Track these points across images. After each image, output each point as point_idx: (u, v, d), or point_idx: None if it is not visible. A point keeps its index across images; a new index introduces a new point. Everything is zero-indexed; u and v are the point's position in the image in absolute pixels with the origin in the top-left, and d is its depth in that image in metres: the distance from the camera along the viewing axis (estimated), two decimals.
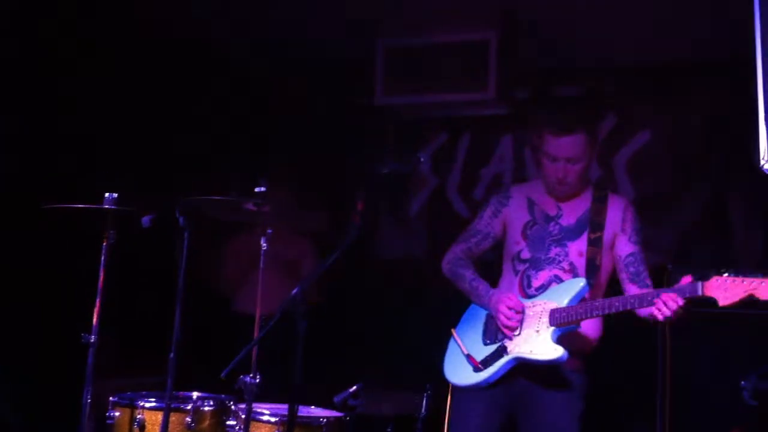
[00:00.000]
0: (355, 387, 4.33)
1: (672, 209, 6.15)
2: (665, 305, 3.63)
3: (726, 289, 3.53)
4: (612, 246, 4.10)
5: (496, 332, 4.07)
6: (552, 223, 4.16)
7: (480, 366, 4.03)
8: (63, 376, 4.86)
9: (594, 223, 4.09)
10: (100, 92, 5.78)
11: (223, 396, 4.40)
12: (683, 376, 4.78)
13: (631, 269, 4.04)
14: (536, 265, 4.13)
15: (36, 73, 5.49)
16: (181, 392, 4.42)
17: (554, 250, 4.11)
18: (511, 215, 4.27)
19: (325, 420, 4.20)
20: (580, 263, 4.07)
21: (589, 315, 3.86)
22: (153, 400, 4.28)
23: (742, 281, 3.52)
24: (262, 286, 4.20)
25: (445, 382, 4.24)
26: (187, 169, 6.10)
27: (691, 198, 6.17)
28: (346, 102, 6.86)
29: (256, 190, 4.05)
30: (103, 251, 4.17)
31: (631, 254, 4.06)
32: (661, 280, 4.63)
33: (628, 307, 3.78)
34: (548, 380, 3.99)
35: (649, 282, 3.99)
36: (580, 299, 3.93)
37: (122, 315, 4.70)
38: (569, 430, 4.00)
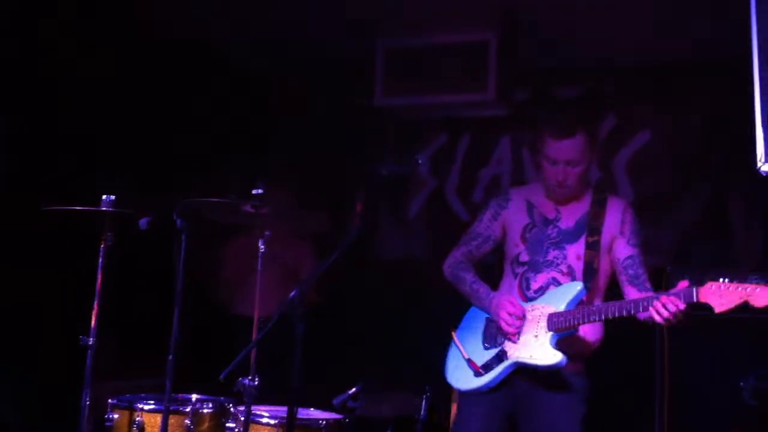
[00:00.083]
0: (354, 389, 4.33)
1: (672, 209, 6.15)
2: (664, 308, 3.62)
3: (721, 296, 3.51)
4: (610, 249, 4.09)
5: (496, 336, 4.08)
6: (550, 226, 4.16)
7: (481, 371, 4.04)
8: (62, 378, 4.86)
9: (592, 226, 4.08)
10: (100, 92, 5.78)
11: (222, 398, 4.41)
12: (682, 378, 4.77)
13: (630, 272, 4.03)
14: (535, 267, 4.13)
15: (36, 73, 5.49)
16: (180, 394, 4.43)
17: (552, 253, 4.11)
18: (510, 218, 4.27)
19: (324, 422, 4.21)
20: (578, 266, 4.07)
21: (586, 320, 3.87)
22: (152, 402, 4.30)
23: (737, 288, 3.50)
24: (261, 289, 4.19)
25: (445, 384, 4.25)
26: (187, 170, 6.10)
27: (691, 198, 6.16)
28: (346, 102, 6.86)
29: (254, 192, 4.05)
30: (101, 253, 4.18)
31: (629, 257, 4.05)
32: (660, 281, 4.62)
33: (624, 313, 3.77)
34: (549, 383, 3.99)
35: (648, 285, 3.98)
36: (577, 303, 3.93)
37: (121, 317, 4.70)
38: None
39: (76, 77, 5.65)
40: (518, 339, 3.98)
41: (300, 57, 6.53)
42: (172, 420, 4.10)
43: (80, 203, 4.09)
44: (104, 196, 4.11)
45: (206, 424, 4.27)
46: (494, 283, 4.26)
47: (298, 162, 6.69)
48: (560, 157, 4.04)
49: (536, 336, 3.94)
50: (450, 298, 4.50)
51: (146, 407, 4.25)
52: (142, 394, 4.44)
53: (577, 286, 3.97)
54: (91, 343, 4.10)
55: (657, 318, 3.66)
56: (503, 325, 4.01)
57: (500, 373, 3.99)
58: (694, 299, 3.59)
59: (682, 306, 3.61)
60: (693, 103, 6.17)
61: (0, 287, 5.18)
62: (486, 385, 4.02)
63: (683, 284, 3.66)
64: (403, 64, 6.02)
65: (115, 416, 4.27)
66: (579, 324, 3.89)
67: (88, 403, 4.09)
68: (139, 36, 5.99)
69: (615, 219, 4.10)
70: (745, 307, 3.48)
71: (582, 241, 4.08)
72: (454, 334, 4.27)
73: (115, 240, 4.21)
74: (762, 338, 4.74)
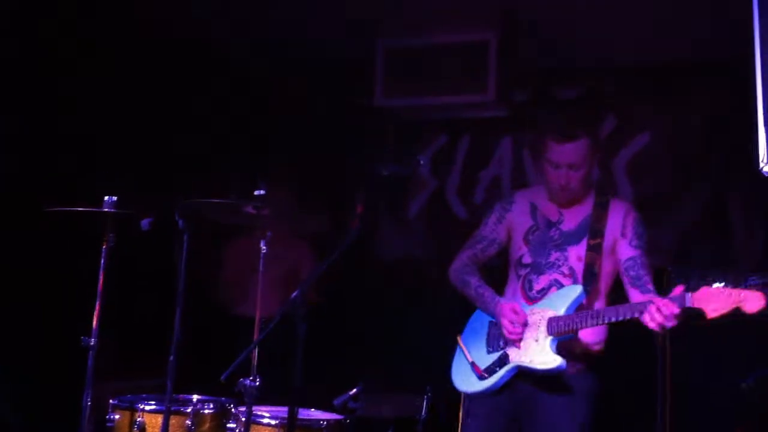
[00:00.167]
0: (355, 389, 4.34)
1: (672, 209, 6.15)
2: (659, 312, 3.63)
3: (714, 301, 3.52)
4: (614, 251, 4.10)
5: (498, 340, 4.11)
6: (553, 229, 4.18)
7: (484, 374, 4.07)
8: (63, 379, 4.85)
9: (594, 229, 4.09)
10: (100, 92, 5.77)
11: (223, 399, 4.41)
12: (684, 379, 4.78)
13: (631, 273, 4.03)
14: (537, 269, 4.15)
15: (36, 73, 5.48)
16: (181, 395, 4.43)
17: (554, 255, 4.13)
18: (514, 220, 4.29)
19: (325, 423, 4.21)
20: (579, 268, 4.08)
21: (584, 325, 3.89)
22: (153, 402, 4.29)
23: (730, 293, 3.51)
24: (262, 289, 4.19)
25: (446, 385, 4.27)
26: (187, 170, 6.10)
27: (691, 198, 6.16)
28: (346, 102, 6.86)
29: (256, 193, 4.05)
30: (103, 254, 4.18)
31: (630, 258, 4.05)
32: (662, 282, 4.62)
33: (620, 317, 3.79)
34: (550, 385, 4.01)
35: (650, 286, 3.96)
36: (577, 306, 3.95)
37: (122, 318, 4.70)
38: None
39: (76, 77, 5.64)
40: (520, 343, 4.01)
41: (300, 57, 6.53)
42: (173, 420, 4.09)
43: (81, 204, 4.08)
44: (106, 197, 4.11)
45: (207, 425, 4.27)
46: (499, 285, 4.28)
47: (298, 162, 6.69)
48: (563, 161, 4.05)
49: (536, 340, 3.97)
50: (450, 298, 4.51)
51: (147, 408, 4.25)
52: (143, 395, 4.44)
53: (577, 290, 3.98)
54: (92, 343, 4.10)
55: (650, 324, 3.67)
56: (505, 331, 4.04)
57: (502, 377, 4.02)
58: (688, 304, 3.59)
59: (676, 311, 3.61)
60: (693, 103, 6.17)
61: (1, 287, 5.17)
62: (488, 389, 4.05)
63: (678, 289, 3.66)
64: (403, 65, 6.01)
65: (116, 417, 4.26)
66: (578, 328, 3.91)
67: (89, 403, 4.09)
68: (139, 36, 5.99)
69: (617, 221, 4.11)
70: (737, 313, 3.49)
71: (584, 244, 4.09)
72: (459, 339, 4.30)
73: (116, 241, 4.21)
74: (762, 339, 4.75)
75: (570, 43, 5.99)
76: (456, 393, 4.29)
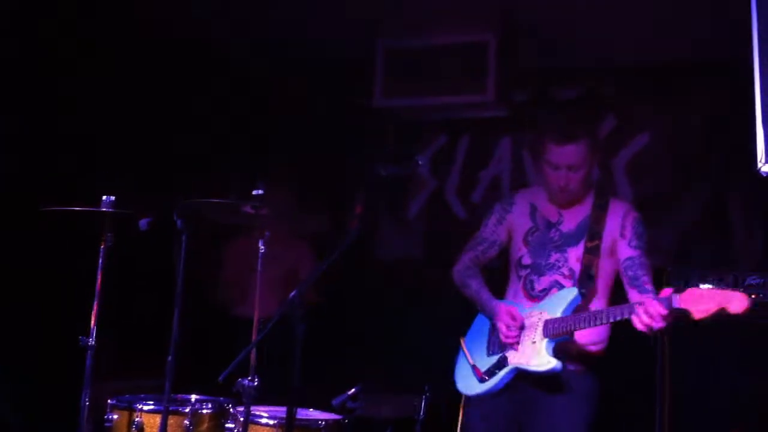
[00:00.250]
0: (353, 389, 4.34)
1: (672, 209, 6.14)
2: (646, 313, 3.63)
3: (700, 302, 3.52)
4: (613, 251, 4.10)
5: (498, 343, 4.12)
6: (553, 230, 4.19)
7: (484, 377, 4.10)
8: (62, 379, 4.86)
9: (592, 231, 4.10)
10: (100, 92, 5.77)
11: (221, 399, 4.40)
12: (683, 379, 4.77)
13: (629, 273, 4.03)
14: (537, 270, 4.17)
15: (36, 73, 5.48)
16: (180, 395, 4.42)
17: (554, 256, 4.14)
18: (514, 221, 4.31)
19: (323, 423, 4.20)
20: (579, 270, 4.09)
21: (579, 326, 3.89)
22: (151, 402, 4.28)
23: (715, 294, 3.51)
24: (261, 289, 4.19)
25: (445, 385, 4.28)
26: (187, 170, 6.10)
27: (691, 198, 6.16)
28: (346, 102, 6.85)
29: (254, 193, 4.04)
30: (101, 254, 4.17)
31: (629, 258, 4.05)
32: (661, 282, 4.62)
33: (612, 319, 3.81)
34: (549, 386, 4.02)
35: (648, 287, 3.96)
36: (574, 308, 3.97)
37: (120, 318, 4.69)
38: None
39: (76, 77, 5.64)
40: (518, 346, 4.03)
41: (300, 57, 6.53)
42: (172, 420, 4.09)
43: (80, 203, 4.08)
44: (104, 197, 4.11)
45: (205, 425, 4.26)
46: (500, 286, 4.29)
47: (298, 162, 6.69)
48: (562, 163, 4.06)
49: (534, 342, 3.99)
50: (449, 298, 4.52)
51: (145, 408, 4.24)
52: (142, 395, 4.43)
53: (572, 292, 4.01)
54: (90, 343, 4.10)
55: (638, 325, 3.67)
56: (501, 335, 4.07)
57: (502, 379, 4.04)
58: (675, 305, 3.59)
59: (663, 312, 3.60)
60: (693, 103, 6.17)
61: (0, 287, 5.18)
62: (489, 391, 4.08)
63: (667, 291, 3.66)
64: (403, 65, 6.01)
65: (115, 417, 4.25)
66: (573, 330, 3.92)
67: (87, 403, 4.09)
68: (139, 36, 5.99)
69: (616, 222, 4.11)
70: (722, 313, 3.49)
71: (582, 246, 4.10)
72: (462, 341, 4.33)
73: (115, 240, 4.21)
74: (762, 339, 4.74)
75: (570, 43, 5.99)
76: (455, 393, 4.30)
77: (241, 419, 4.03)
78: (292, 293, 3.40)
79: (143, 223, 4.05)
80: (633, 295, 3.98)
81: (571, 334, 3.95)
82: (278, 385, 3.84)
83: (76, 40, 5.64)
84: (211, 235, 5.40)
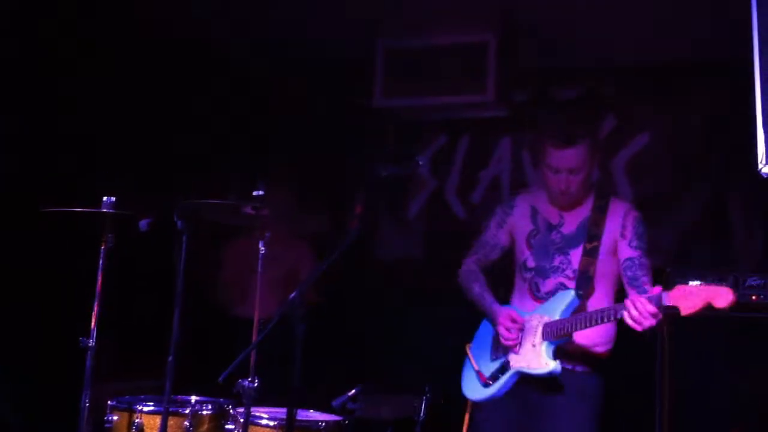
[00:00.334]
0: (353, 390, 4.34)
1: (672, 209, 6.14)
2: (635, 309, 3.64)
3: (687, 299, 3.54)
4: (615, 252, 4.11)
5: (501, 347, 4.16)
6: (554, 232, 4.20)
7: (488, 381, 4.14)
8: (62, 379, 4.85)
9: (591, 233, 4.11)
10: (100, 92, 5.77)
11: (221, 400, 4.39)
12: (683, 378, 4.77)
13: (629, 273, 4.05)
14: (542, 273, 4.19)
15: (36, 73, 5.47)
16: (180, 396, 4.41)
17: (558, 259, 4.16)
18: (516, 224, 4.33)
19: (323, 424, 4.20)
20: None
21: (576, 328, 3.91)
22: (151, 403, 4.28)
23: (702, 290, 3.52)
24: (261, 290, 4.18)
25: (445, 386, 4.29)
26: (187, 170, 6.10)
27: (691, 198, 6.16)
28: (346, 102, 6.85)
29: (254, 193, 4.04)
30: (101, 255, 4.17)
31: (629, 259, 4.07)
32: (660, 283, 4.61)
33: (606, 319, 3.83)
34: (555, 388, 4.04)
35: (648, 287, 3.97)
36: (572, 310, 3.99)
37: (120, 318, 4.68)
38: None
39: (76, 77, 5.63)
40: (519, 349, 4.06)
41: (300, 57, 6.53)
42: (172, 422, 4.08)
43: (80, 204, 4.08)
44: (105, 198, 4.11)
45: (205, 426, 4.26)
46: (506, 289, 4.32)
47: (298, 162, 6.69)
48: (562, 166, 4.07)
49: (534, 345, 4.02)
50: (450, 298, 4.52)
51: (145, 409, 4.23)
52: (142, 396, 4.42)
53: (570, 295, 4.03)
54: (90, 344, 4.09)
55: (629, 322, 3.69)
56: (501, 338, 4.11)
57: (505, 383, 4.08)
58: (665, 303, 3.60)
59: (653, 310, 3.62)
60: (693, 103, 6.17)
61: (0, 288, 5.18)
62: (493, 395, 4.12)
63: (656, 289, 3.68)
64: (403, 65, 6.01)
65: (115, 418, 4.25)
66: (571, 331, 3.94)
67: (87, 404, 4.08)
68: (139, 36, 5.98)
69: (616, 223, 4.13)
70: (710, 309, 3.50)
71: (581, 248, 4.11)
72: (467, 348, 4.37)
73: (115, 241, 4.20)
74: (762, 338, 4.74)
75: (570, 43, 5.99)
76: (454, 394, 4.31)
77: (242, 420, 4.03)
78: (292, 293, 3.40)
79: (143, 223, 4.05)
80: (631, 296, 3.97)
81: (570, 335, 3.96)
82: (278, 386, 3.84)
83: (76, 40, 5.64)
84: (212, 235, 5.39)
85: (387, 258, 6.96)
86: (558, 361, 3.94)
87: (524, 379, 4.04)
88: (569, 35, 5.86)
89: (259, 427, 4.13)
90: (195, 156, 6.28)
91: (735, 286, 4.80)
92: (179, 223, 3.96)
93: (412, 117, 6.47)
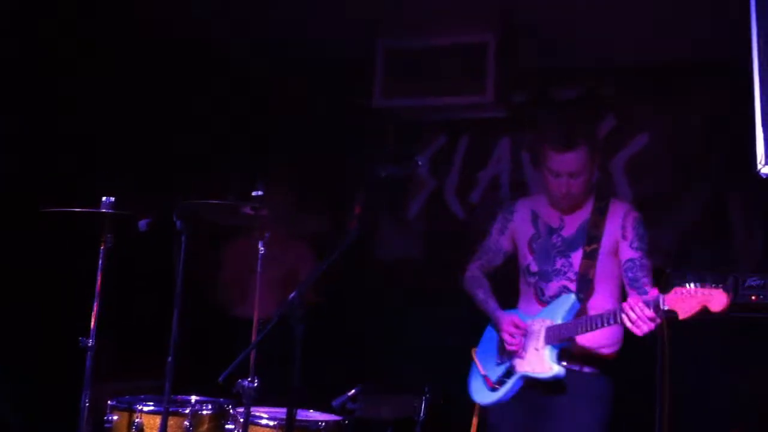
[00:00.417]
0: (353, 390, 4.34)
1: (672, 209, 6.14)
2: (633, 312, 3.65)
3: (683, 302, 3.53)
4: (616, 253, 4.12)
5: (506, 352, 4.17)
6: (555, 235, 4.21)
7: (495, 386, 4.17)
8: (62, 379, 4.85)
9: (590, 235, 4.11)
10: (100, 92, 5.77)
11: (221, 400, 4.40)
12: (683, 382, 4.77)
13: (629, 275, 4.05)
14: (545, 277, 4.20)
15: (36, 73, 5.47)
16: (180, 396, 4.42)
17: (559, 262, 4.17)
18: (517, 229, 4.35)
19: (323, 423, 4.20)
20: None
21: (578, 331, 3.93)
22: (151, 403, 4.28)
23: (698, 293, 3.51)
24: (260, 290, 4.18)
25: (445, 386, 4.30)
26: (187, 170, 6.10)
27: (691, 198, 6.15)
28: (345, 103, 6.85)
29: (254, 193, 4.04)
30: (101, 255, 4.17)
31: (629, 260, 4.07)
32: (659, 284, 4.61)
33: (605, 323, 3.83)
34: (562, 391, 4.05)
35: (648, 289, 3.96)
36: (574, 314, 4.00)
37: (120, 318, 4.69)
38: None
39: (76, 77, 5.63)
40: (523, 353, 4.07)
41: (300, 57, 6.53)
42: (171, 421, 4.09)
43: (80, 204, 4.08)
44: (104, 198, 4.11)
45: (205, 426, 4.26)
46: (511, 293, 4.33)
47: (298, 162, 6.69)
48: (563, 170, 4.07)
49: (537, 350, 4.04)
50: (449, 298, 4.52)
51: (145, 409, 4.24)
52: (142, 396, 4.43)
53: (570, 299, 4.05)
54: (90, 344, 4.10)
55: (628, 325, 3.70)
56: (505, 343, 4.13)
57: (511, 387, 4.11)
58: (662, 306, 3.60)
59: (650, 314, 3.63)
60: (693, 103, 6.16)
61: (0, 287, 5.18)
62: (499, 400, 4.14)
63: (653, 293, 3.68)
64: (403, 65, 6.02)
65: (115, 417, 4.26)
66: (572, 335, 3.96)
67: (87, 404, 4.09)
68: (139, 36, 5.98)
69: (616, 224, 4.13)
70: (706, 312, 3.49)
71: (581, 251, 4.12)
72: (473, 353, 4.39)
73: (114, 241, 4.21)
74: (762, 338, 4.74)
75: (570, 43, 5.99)
76: (454, 394, 4.32)
77: (241, 420, 4.03)
78: (292, 294, 3.40)
79: (143, 223, 4.05)
80: (632, 297, 3.98)
81: (572, 339, 3.97)
82: (278, 386, 3.84)
83: (76, 40, 5.64)
84: (211, 235, 5.39)
85: (387, 258, 6.96)
86: (561, 365, 3.96)
87: (530, 382, 4.06)
88: (569, 35, 5.86)
89: (259, 427, 4.13)
90: (195, 156, 6.28)
91: (735, 287, 4.80)
92: (178, 223, 3.96)
93: (412, 117, 6.47)
